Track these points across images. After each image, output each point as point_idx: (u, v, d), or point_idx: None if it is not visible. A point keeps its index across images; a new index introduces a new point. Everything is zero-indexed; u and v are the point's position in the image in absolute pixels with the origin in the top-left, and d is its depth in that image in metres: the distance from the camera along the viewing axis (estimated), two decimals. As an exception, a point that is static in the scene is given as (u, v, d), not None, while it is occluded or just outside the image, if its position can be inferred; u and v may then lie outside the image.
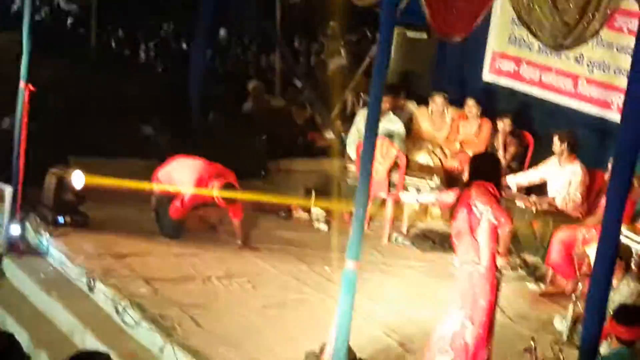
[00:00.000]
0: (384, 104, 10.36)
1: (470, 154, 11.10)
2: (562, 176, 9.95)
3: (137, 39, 17.37)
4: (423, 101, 11.90)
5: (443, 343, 6.89)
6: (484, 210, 6.69)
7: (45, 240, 9.50)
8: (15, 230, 9.52)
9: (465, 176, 7.25)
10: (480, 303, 6.83)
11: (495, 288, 6.89)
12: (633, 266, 8.33)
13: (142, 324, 7.92)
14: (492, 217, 6.68)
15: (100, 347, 7.16)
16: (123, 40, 17.37)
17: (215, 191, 9.50)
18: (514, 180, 10.28)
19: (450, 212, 7.09)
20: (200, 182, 9.61)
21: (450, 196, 7.19)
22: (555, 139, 9.90)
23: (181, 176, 9.72)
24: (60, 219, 9.73)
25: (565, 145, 9.88)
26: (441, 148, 11.48)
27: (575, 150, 9.91)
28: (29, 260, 9.36)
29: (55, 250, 9.34)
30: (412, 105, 11.98)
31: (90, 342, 7.76)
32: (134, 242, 9.61)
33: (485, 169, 6.97)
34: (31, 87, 9.26)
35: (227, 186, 9.60)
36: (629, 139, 4.86)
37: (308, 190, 11.26)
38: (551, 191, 10.07)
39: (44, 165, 9.91)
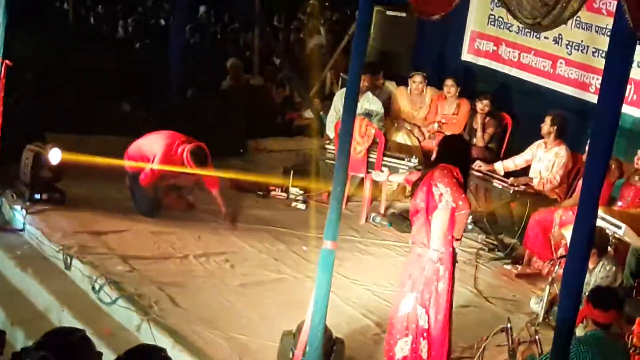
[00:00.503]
0: (363, 82, 10.39)
1: (448, 134, 11.14)
2: (546, 158, 9.97)
3: (115, 15, 17.27)
4: (402, 81, 11.88)
5: (400, 326, 6.86)
6: (443, 191, 6.61)
7: (21, 217, 9.44)
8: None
9: (433, 156, 7.20)
10: (437, 287, 6.76)
11: (452, 272, 6.81)
12: (609, 249, 8.37)
13: (119, 302, 7.90)
14: (451, 200, 6.59)
15: (77, 325, 7.12)
16: (102, 16, 17.27)
17: (185, 154, 9.48)
18: (502, 165, 10.29)
19: (412, 190, 7.04)
20: (170, 147, 9.58)
21: (416, 176, 7.14)
22: (548, 119, 9.89)
23: (150, 146, 9.68)
24: (37, 196, 9.67)
25: (554, 128, 9.89)
26: (419, 128, 11.48)
27: (562, 134, 9.92)
28: (4, 237, 9.28)
29: (32, 227, 9.28)
30: (391, 85, 11.97)
31: (67, 320, 7.73)
32: (111, 219, 9.57)
33: (454, 153, 6.87)
34: (8, 62, 9.18)
35: (198, 149, 9.55)
36: (605, 121, 4.87)
37: (286, 170, 11.24)
38: (533, 172, 10.08)
39: (20, 142, 9.83)
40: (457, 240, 6.79)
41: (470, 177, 9.74)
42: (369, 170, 10.34)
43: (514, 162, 10.28)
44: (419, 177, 6.92)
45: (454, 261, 6.83)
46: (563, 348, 5.09)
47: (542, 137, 10.04)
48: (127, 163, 9.78)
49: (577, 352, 5.85)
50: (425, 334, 6.80)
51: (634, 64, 9.44)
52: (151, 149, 9.65)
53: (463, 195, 6.64)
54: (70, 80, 11.99)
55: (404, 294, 6.85)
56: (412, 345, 6.82)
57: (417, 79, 11.52)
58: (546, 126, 9.92)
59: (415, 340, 6.81)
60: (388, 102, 11.60)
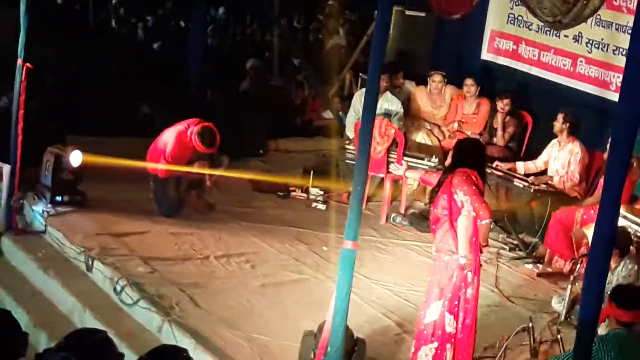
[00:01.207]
0: (382, 82, 10.36)
1: (469, 133, 11.13)
2: (561, 156, 9.95)
3: (135, 17, 17.32)
4: (422, 80, 11.86)
5: (427, 333, 6.84)
6: (464, 200, 6.59)
7: (42, 219, 9.49)
8: (13, 209, 9.51)
9: (449, 161, 7.16)
10: (465, 293, 6.75)
11: (479, 278, 6.81)
12: (632, 247, 8.32)
13: (140, 303, 7.92)
14: (471, 209, 6.57)
15: (99, 326, 7.14)
16: (122, 18, 17.31)
17: (194, 137, 9.50)
18: (523, 165, 10.25)
19: (430, 197, 7.03)
20: (181, 133, 9.59)
21: (434, 178, 7.09)
22: (560, 117, 9.87)
23: (164, 138, 9.71)
24: (58, 198, 9.71)
25: (567, 125, 9.86)
26: (439, 127, 11.47)
27: (575, 131, 9.90)
28: (26, 239, 9.35)
29: (53, 229, 9.32)
30: (410, 85, 11.96)
31: (89, 321, 7.76)
32: (132, 221, 9.60)
33: (470, 156, 6.84)
34: (28, 65, 9.22)
35: (204, 129, 9.55)
36: (626, 118, 4.83)
37: (306, 170, 11.24)
38: (551, 171, 10.07)
39: (42, 144, 9.88)
40: (484, 246, 6.77)
41: (490, 176, 9.84)
42: (389, 169, 10.33)
43: (535, 164, 10.25)
44: (437, 182, 6.90)
45: (479, 266, 6.81)
46: (585, 347, 5.06)
47: (559, 136, 10.04)
48: (148, 165, 9.80)
49: (599, 351, 5.83)
50: (452, 340, 6.80)
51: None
52: (165, 140, 9.68)
53: (484, 204, 6.61)
54: (90, 83, 12.05)
55: (430, 302, 6.83)
56: (436, 352, 6.80)
57: (436, 79, 11.51)
58: (558, 124, 9.90)
59: (440, 347, 6.79)
60: (407, 102, 11.59)
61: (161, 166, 9.61)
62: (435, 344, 6.79)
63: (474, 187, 6.61)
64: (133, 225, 9.50)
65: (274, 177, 10.92)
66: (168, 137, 9.66)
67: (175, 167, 9.63)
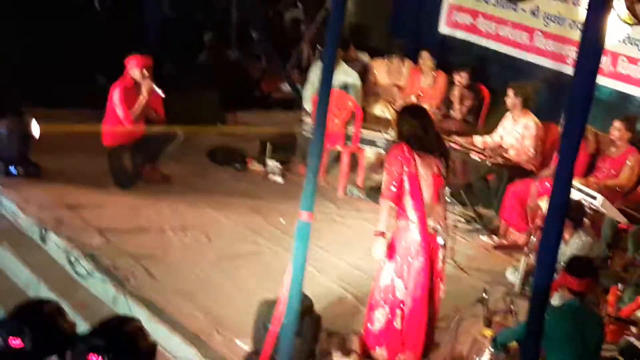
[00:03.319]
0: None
1: (426, 107, 11.13)
2: (516, 130, 10.00)
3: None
4: (376, 53, 11.86)
5: (378, 297, 6.90)
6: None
7: (-4, 190, 9.41)
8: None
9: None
10: (413, 262, 6.78)
11: (429, 248, 6.77)
12: (585, 220, 8.40)
13: (95, 275, 7.89)
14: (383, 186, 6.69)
15: (53, 298, 7.10)
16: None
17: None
18: (481, 140, 10.28)
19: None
20: (119, 82, 9.62)
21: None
22: (510, 92, 9.91)
23: (111, 99, 9.63)
24: (13, 170, 9.61)
25: (519, 100, 9.90)
26: (396, 100, 11.47)
27: (528, 104, 9.94)
28: (-20, 211, 9.27)
29: (7, 201, 9.24)
30: (363, 56, 11.94)
31: (44, 293, 7.73)
32: (87, 193, 9.54)
33: (399, 128, 6.85)
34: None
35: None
36: (580, 91, 4.86)
37: (264, 143, 11.21)
38: (505, 144, 10.12)
39: (-5, 114, 9.78)
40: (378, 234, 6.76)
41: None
42: (347, 142, 10.34)
43: (492, 138, 10.29)
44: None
45: (429, 246, 6.81)
46: (538, 317, 5.09)
47: (516, 109, 10.09)
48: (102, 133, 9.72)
49: (552, 321, 5.88)
50: (401, 305, 6.82)
51: (611, 36, 9.52)
52: (112, 102, 9.61)
53: (387, 184, 6.65)
54: (44, 52, 11.88)
55: (383, 266, 6.88)
56: (387, 316, 6.85)
57: (425, 55, 11.45)
58: (510, 99, 9.93)
59: (391, 311, 6.84)
60: (363, 73, 11.56)
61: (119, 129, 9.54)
62: (387, 310, 6.85)
63: (392, 163, 6.65)
64: (88, 197, 9.44)
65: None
66: (113, 97, 9.58)
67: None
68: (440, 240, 6.78)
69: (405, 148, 6.67)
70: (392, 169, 6.63)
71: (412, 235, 6.72)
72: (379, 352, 6.96)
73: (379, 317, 6.89)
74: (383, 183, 6.68)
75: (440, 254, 6.84)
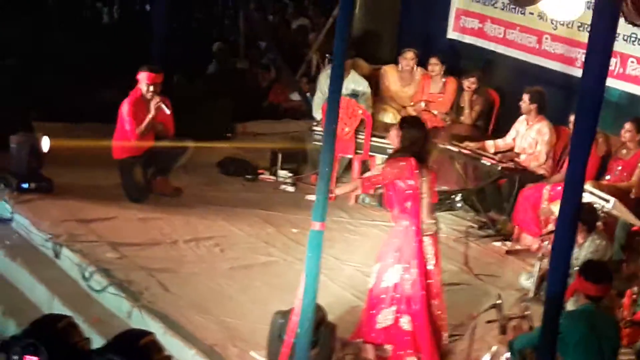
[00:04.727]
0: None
1: (436, 113, 11.14)
2: (529, 135, 9.97)
3: (100, 1, 17.15)
4: (386, 62, 11.87)
5: (385, 296, 6.97)
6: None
7: (9, 206, 9.41)
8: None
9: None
10: (411, 264, 6.92)
11: (421, 245, 6.94)
12: (599, 223, 8.36)
13: (109, 289, 7.89)
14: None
15: (67, 314, 7.10)
16: (86, 1, 17.13)
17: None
18: (493, 143, 10.26)
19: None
20: (129, 97, 9.64)
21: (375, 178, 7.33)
22: (525, 97, 9.89)
23: (121, 114, 9.66)
24: (25, 185, 9.63)
25: (534, 105, 9.88)
26: (405, 108, 11.45)
27: (543, 110, 9.92)
28: (-7, 228, 9.29)
29: (20, 217, 9.25)
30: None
31: (58, 309, 7.70)
32: (100, 207, 9.54)
33: (407, 141, 6.96)
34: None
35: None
36: (590, 94, 4.86)
37: (274, 153, 11.21)
38: (518, 148, 10.10)
39: (6, 131, 9.79)
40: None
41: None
42: (357, 150, 10.34)
43: (504, 141, 10.27)
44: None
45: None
46: (552, 322, 5.09)
47: (527, 113, 10.06)
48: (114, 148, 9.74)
49: (568, 326, 5.86)
50: (411, 303, 6.93)
51: (619, 37, 9.49)
52: (122, 117, 9.65)
53: (377, 183, 7.07)
54: (55, 67, 11.93)
55: (387, 268, 6.97)
56: (395, 315, 6.93)
57: (408, 56, 11.46)
58: (525, 104, 9.91)
59: (398, 311, 6.94)
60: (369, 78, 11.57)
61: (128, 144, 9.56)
62: (394, 308, 6.94)
63: (393, 169, 6.87)
64: (100, 211, 9.44)
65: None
66: (122, 111, 9.61)
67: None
68: (429, 244, 6.97)
69: (413, 163, 6.83)
70: (390, 171, 6.87)
71: (409, 238, 6.89)
72: (387, 348, 7.04)
73: (387, 316, 6.97)
74: (371, 174, 6.96)
75: (430, 259, 6.98)
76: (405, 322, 6.93)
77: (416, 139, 6.92)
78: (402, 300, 6.93)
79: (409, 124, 7.09)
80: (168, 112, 9.69)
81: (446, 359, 7.11)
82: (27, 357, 4.21)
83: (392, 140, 7.07)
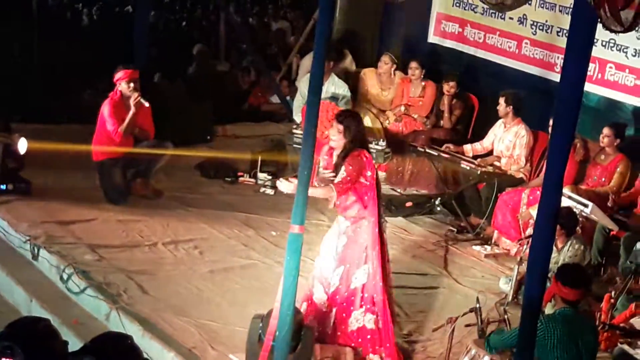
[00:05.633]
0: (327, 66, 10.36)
1: (416, 117, 11.17)
2: (506, 137, 10.02)
3: (79, 2, 17.10)
4: (367, 65, 11.89)
5: (355, 298, 7.03)
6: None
7: (-14, 208, 9.38)
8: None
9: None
10: (373, 256, 7.02)
11: (380, 237, 7.04)
12: (578, 228, 8.40)
13: (88, 291, 7.86)
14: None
15: (45, 315, 7.08)
16: (65, 3, 17.08)
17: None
18: (471, 147, 10.31)
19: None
20: (109, 98, 9.64)
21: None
22: (501, 100, 9.94)
23: (101, 115, 9.63)
24: (2, 187, 9.58)
25: (510, 108, 9.93)
26: (384, 112, 11.47)
27: (519, 112, 9.97)
28: (-30, 229, 9.23)
29: (-2, 218, 9.22)
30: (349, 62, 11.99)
31: (36, 311, 7.66)
32: (78, 208, 9.50)
33: (356, 135, 7.01)
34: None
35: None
36: (568, 99, 4.88)
37: (254, 155, 11.19)
38: (496, 151, 10.15)
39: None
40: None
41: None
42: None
43: (482, 145, 10.31)
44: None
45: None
46: (530, 325, 5.11)
47: (505, 118, 10.11)
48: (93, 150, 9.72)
49: (545, 330, 5.89)
50: (376, 300, 7.01)
51: (597, 43, 9.54)
52: (102, 118, 9.63)
53: (348, 183, 6.96)
54: (34, 69, 11.88)
55: (357, 269, 7.01)
56: (363, 317, 7.00)
57: (384, 59, 11.50)
58: (501, 107, 9.97)
59: (366, 311, 7.01)
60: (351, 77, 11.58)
61: (108, 148, 9.54)
62: (363, 309, 7.01)
63: (358, 166, 6.91)
64: (79, 213, 9.40)
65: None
66: (103, 111, 9.60)
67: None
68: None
69: (367, 154, 6.99)
70: (355, 168, 6.90)
71: (371, 232, 6.98)
72: (359, 350, 7.08)
73: (358, 317, 7.02)
74: (341, 177, 6.90)
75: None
76: (369, 321, 6.99)
77: (359, 131, 7.00)
78: (369, 299, 6.99)
79: (349, 117, 7.11)
80: (146, 104, 9.66)
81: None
82: (4, 359, 4.19)
83: (335, 138, 7.04)
